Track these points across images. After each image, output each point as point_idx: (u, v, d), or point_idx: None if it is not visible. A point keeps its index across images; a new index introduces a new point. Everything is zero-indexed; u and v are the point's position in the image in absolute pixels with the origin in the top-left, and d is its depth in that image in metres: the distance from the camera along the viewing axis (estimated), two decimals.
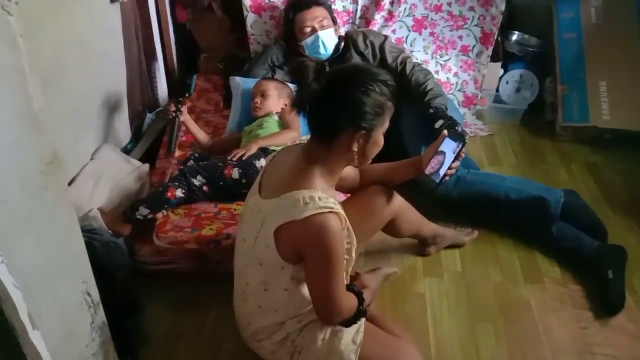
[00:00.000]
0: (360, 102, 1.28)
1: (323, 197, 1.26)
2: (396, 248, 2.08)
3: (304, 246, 1.27)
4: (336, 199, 1.33)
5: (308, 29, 2.40)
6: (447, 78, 2.88)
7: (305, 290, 1.38)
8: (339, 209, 1.28)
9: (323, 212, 1.24)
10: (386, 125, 1.36)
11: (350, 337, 1.42)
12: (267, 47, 2.68)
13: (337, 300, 1.32)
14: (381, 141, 1.38)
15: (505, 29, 3.09)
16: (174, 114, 2.21)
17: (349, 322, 1.41)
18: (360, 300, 1.41)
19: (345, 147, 1.32)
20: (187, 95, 2.72)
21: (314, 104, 1.31)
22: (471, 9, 2.75)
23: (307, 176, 1.32)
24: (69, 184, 1.94)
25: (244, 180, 1.94)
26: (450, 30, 2.81)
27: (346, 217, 1.31)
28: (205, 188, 1.97)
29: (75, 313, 1.21)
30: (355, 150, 1.32)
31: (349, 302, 1.38)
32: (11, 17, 0.88)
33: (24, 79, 0.93)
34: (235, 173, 1.95)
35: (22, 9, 0.91)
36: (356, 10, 2.74)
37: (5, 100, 0.91)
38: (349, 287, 1.42)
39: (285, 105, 2.27)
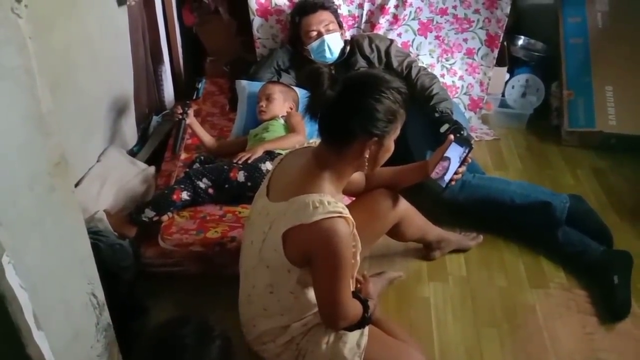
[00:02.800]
0: (373, 109, 1.28)
1: (332, 202, 1.26)
2: (401, 252, 2.08)
3: (312, 250, 1.27)
4: (342, 202, 1.33)
5: (314, 33, 2.40)
6: (453, 82, 2.87)
7: (311, 294, 1.38)
8: (347, 213, 1.28)
9: (332, 217, 1.24)
10: (398, 132, 1.36)
11: (355, 340, 1.42)
12: (273, 51, 2.69)
13: (343, 305, 1.32)
14: (392, 148, 1.38)
15: (512, 34, 3.09)
16: (180, 116, 2.21)
17: (352, 328, 1.41)
18: (365, 308, 1.41)
19: (357, 153, 1.32)
20: (195, 98, 2.74)
21: (327, 110, 1.31)
22: (476, 11, 2.75)
23: (317, 180, 1.32)
24: (76, 185, 1.95)
25: (249, 183, 1.94)
26: (455, 33, 2.81)
27: (353, 221, 1.31)
28: (210, 191, 1.97)
29: (81, 314, 1.21)
30: (367, 156, 1.33)
31: (355, 308, 1.38)
32: (20, 19, 0.88)
33: (33, 81, 0.94)
34: (240, 176, 1.95)
35: (32, 12, 0.92)
36: (361, 15, 2.75)
37: (14, 102, 0.91)
38: (354, 294, 1.42)
39: (291, 108, 2.27)
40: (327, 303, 1.34)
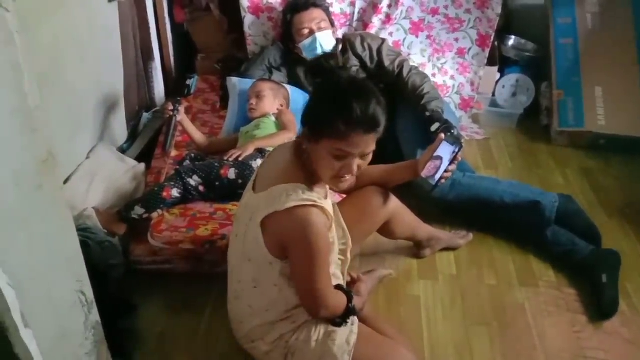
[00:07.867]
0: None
1: (307, 191, 1.28)
2: (391, 250, 2.08)
3: (287, 238, 1.29)
4: (331, 198, 1.33)
5: (306, 31, 2.40)
6: (444, 81, 2.88)
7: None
8: (323, 203, 1.29)
9: (305, 205, 1.25)
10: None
11: (344, 338, 1.42)
12: (264, 48, 2.69)
13: (321, 294, 1.33)
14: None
15: (502, 34, 3.10)
16: (171, 113, 2.20)
17: (340, 321, 1.42)
18: (349, 298, 1.41)
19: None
20: (186, 95, 2.72)
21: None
22: (467, 11, 2.76)
23: (294, 170, 1.34)
24: (64, 182, 1.94)
25: (240, 181, 1.94)
26: (446, 33, 2.81)
27: (331, 213, 1.32)
28: (201, 188, 1.96)
29: (69, 312, 1.20)
30: None
31: (336, 298, 1.39)
32: (8, 13, 0.87)
33: (20, 76, 0.93)
34: (231, 173, 1.95)
35: (21, 7, 0.91)
36: (353, 13, 2.75)
37: (0, 97, 0.90)
38: (339, 286, 1.43)
39: (282, 106, 2.27)
40: (305, 292, 1.35)
